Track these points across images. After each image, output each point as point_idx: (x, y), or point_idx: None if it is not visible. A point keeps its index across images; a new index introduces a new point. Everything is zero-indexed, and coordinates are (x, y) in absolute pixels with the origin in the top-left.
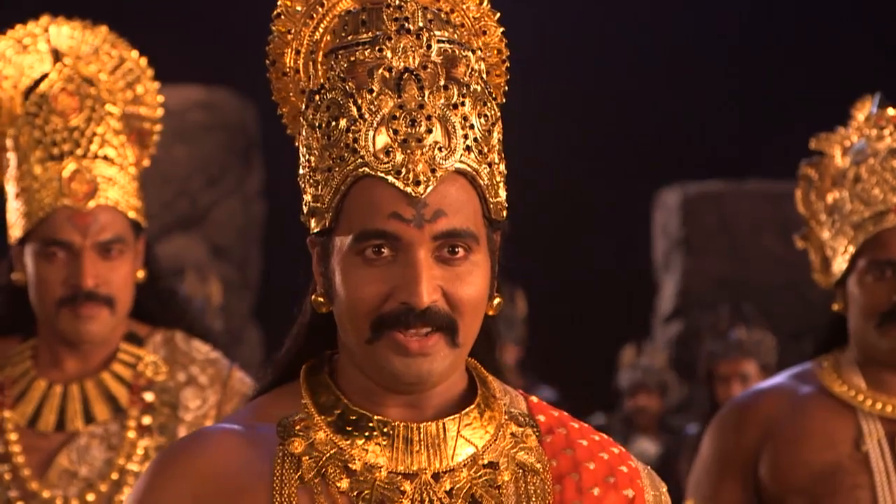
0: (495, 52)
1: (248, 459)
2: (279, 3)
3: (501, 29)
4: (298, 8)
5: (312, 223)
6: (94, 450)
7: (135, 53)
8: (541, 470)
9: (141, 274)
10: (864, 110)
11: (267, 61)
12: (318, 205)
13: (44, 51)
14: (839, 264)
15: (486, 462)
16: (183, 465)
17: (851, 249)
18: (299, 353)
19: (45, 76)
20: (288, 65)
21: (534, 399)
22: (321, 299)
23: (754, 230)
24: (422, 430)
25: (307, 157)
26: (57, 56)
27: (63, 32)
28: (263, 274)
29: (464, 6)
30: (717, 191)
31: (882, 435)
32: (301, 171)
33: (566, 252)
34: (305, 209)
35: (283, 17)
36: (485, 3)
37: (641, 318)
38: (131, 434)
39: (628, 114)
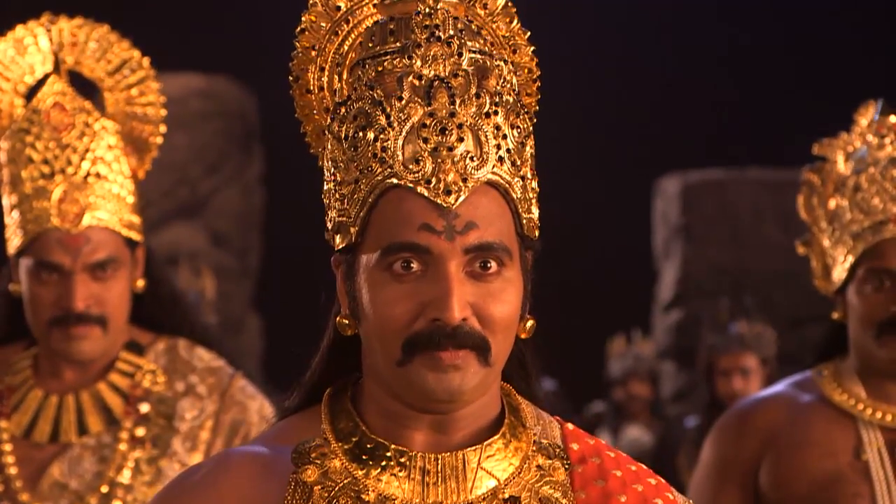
0: (525, 71)
1: (266, 486)
2: (303, 18)
3: (532, 48)
4: (323, 24)
5: (337, 239)
6: (85, 462)
7: (137, 53)
8: None
9: (141, 283)
10: (866, 115)
11: (290, 78)
12: (344, 219)
13: (45, 50)
14: (839, 273)
15: (506, 496)
16: (201, 488)
17: (851, 259)
18: (323, 374)
19: (47, 77)
20: (312, 82)
21: (569, 426)
22: (346, 321)
23: (755, 218)
24: (440, 461)
25: (332, 171)
26: (58, 59)
27: (65, 31)
28: (263, 262)
29: (493, 25)
30: (718, 179)
31: (882, 444)
32: (326, 188)
33: (566, 240)
34: (330, 226)
35: (307, 32)
36: (514, 22)
37: (641, 306)
38: (122, 446)
39: (629, 101)
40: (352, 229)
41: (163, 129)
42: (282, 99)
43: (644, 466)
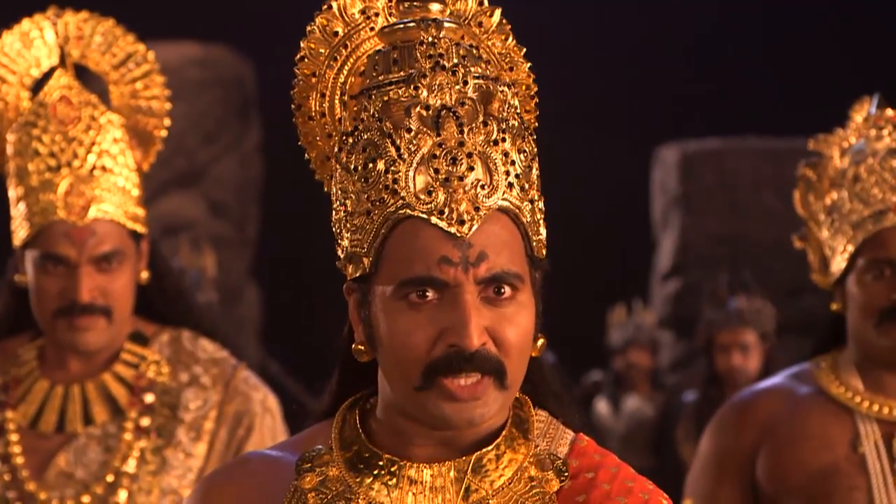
0: (523, 87)
1: (272, 490)
2: (302, 45)
3: (528, 64)
4: (322, 50)
5: (350, 269)
6: (90, 451)
7: (142, 47)
8: None
9: (145, 275)
10: (862, 112)
11: (292, 106)
12: (357, 249)
13: (51, 43)
14: (838, 263)
15: None
16: (218, 491)
17: (850, 249)
18: (341, 391)
19: (53, 70)
20: (314, 108)
21: (582, 444)
22: (362, 347)
23: (753, 187)
24: (429, 471)
25: (343, 201)
26: (64, 52)
27: (70, 25)
28: (261, 231)
29: (489, 43)
30: (716, 148)
31: (879, 437)
32: (335, 217)
33: (564, 209)
34: (342, 255)
35: (306, 59)
36: (510, 39)
37: (640, 276)
38: (128, 436)
39: (627, 70)
40: (365, 260)
41: (167, 122)
42: (279, 68)
43: (645, 482)
